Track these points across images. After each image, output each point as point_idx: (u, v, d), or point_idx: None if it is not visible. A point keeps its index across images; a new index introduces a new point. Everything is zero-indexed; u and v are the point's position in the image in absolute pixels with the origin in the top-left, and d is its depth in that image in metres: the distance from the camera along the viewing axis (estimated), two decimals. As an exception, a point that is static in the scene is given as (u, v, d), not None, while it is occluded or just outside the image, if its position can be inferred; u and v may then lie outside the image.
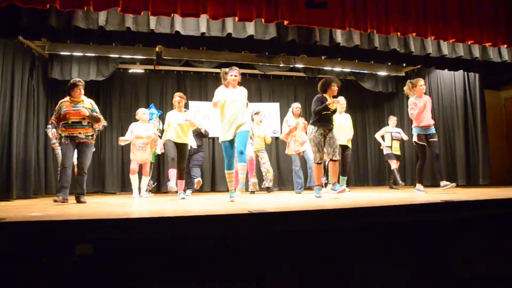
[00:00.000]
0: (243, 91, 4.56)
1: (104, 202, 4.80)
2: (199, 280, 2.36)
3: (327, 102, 4.68)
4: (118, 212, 3.19)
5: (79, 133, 4.66)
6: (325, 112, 4.71)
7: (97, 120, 4.83)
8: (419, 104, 5.37)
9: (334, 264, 2.67)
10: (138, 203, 4.51)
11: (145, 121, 6.30)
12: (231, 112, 4.37)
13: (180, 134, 5.48)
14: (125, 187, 8.08)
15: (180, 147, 5.49)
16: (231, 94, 4.43)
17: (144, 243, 2.35)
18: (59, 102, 4.75)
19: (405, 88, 5.59)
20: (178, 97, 5.65)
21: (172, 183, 5.38)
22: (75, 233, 2.26)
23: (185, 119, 5.48)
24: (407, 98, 8.93)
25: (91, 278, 2.19)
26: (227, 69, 4.54)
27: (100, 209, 3.53)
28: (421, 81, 5.48)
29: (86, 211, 3.27)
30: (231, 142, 4.43)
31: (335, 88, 4.84)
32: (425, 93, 5.61)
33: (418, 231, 2.95)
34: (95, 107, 4.88)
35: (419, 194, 4.96)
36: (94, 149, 5.78)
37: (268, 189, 6.94)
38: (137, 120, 6.36)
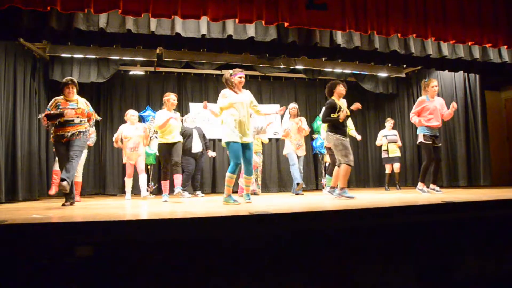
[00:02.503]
0: (249, 94, 4.51)
1: (105, 204, 4.80)
2: (199, 281, 2.36)
3: (339, 117, 4.65)
4: (118, 214, 3.19)
5: (68, 131, 4.54)
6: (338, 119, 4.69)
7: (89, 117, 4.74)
8: (429, 105, 5.36)
9: (337, 264, 2.67)
10: (138, 205, 4.51)
11: (134, 123, 6.32)
12: (242, 115, 4.23)
13: (173, 133, 5.45)
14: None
15: (172, 147, 5.44)
16: (240, 97, 4.33)
17: (145, 245, 2.35)
18: (54, 99, 4.65)
19: (423, 86, 5.63)
20: (174, 96, 5.63)
21: (178, 189, 5.29)
22: (76, 235, 2.26)
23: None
24: (408, 98, 9.00)
25: (91, 279, 2.19)
26: (230, 71, 4.42)
27: (101, 211, 3.53)
28: (433, 82, 5.48)
29: (86, 213, 3.28)
30: (241, 144, 4.24)
31: (341, 89, 4.85)
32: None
33: (419, 232, 2.95)
34: (90, 106, 4.81)
35: (423, 194, 4.97)
36: (89, 144, 5.66)
37: (254, 194, 6.71)
38: (125, 122, 6.40)
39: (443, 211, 3.14)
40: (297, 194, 6.30)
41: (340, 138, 4.68)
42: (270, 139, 8.11)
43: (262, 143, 6.87)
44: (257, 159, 6.69)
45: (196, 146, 6.82)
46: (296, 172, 6.30)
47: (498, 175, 7.41)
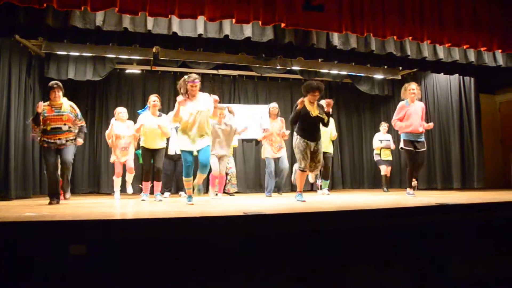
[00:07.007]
0: (206, 100, 4.31)
1: (99, 203, 4.78)
2: (193, 280, 2.36)
3: (296, 107, 4.52)
4: (112, 213, 3.18)
5: (59, 139, 4.61)
6: (306, 122, 4.50)
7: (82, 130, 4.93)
8: (409, 110, 5.31)
9: (331, 265, 2.68)
10: (131, 205, 4.49)
11: (124, 120, 6.06)
12: (191, 123, 4.17)
13: (152, 140, 5.37)
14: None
15: (155, 153, 5.46)
16: (190, 105, 4.22)
17: (138, 244, 2.34)
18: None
19: (402, 90, 5.55)
20: (154, 97, 5.47)
21: (157, 196, 5.27)
22: (69, 234, 2.25)
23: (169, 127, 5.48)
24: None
25: (85, 278, 2.18)
26: (186, 77, 4.28)
27: (95, 210, 3.52)
28: (411, 85, 5.39)
29: (80, 212, 3.26)
30: (191, 152, 4.26)
31: (315, 94, 4.50)
32: (420, 99, 5.57)
33: (413, 233, 2.96)
34: (78, 112, 4.84)
35: (409, 197, 5.05)
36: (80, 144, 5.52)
37: (230, 194, 6.75)
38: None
39: (437, 213, 3.16)
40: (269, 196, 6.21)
41: (300, 141, 4.51)
42: (241, 141, 7.90)
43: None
44: (230, 161, 6.72)
45: (173, 148, 6.46)
46: (271, 182, 6.28)
47: (491, 178, 7.46)
